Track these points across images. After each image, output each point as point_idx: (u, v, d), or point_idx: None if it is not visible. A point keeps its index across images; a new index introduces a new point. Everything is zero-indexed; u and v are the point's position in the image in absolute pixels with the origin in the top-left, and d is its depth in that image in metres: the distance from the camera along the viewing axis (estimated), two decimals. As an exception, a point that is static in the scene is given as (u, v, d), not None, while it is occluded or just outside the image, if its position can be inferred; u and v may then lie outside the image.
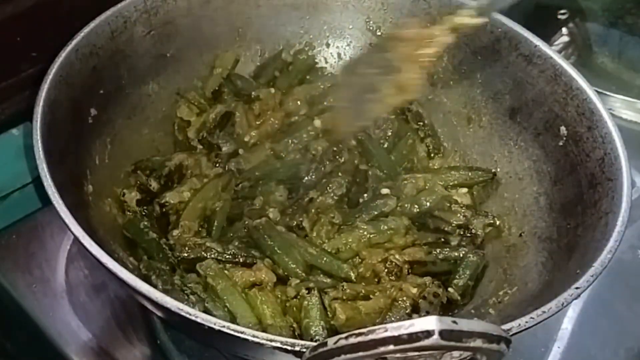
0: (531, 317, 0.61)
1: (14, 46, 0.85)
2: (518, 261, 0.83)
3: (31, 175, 0.90)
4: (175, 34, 0.94)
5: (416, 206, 0.89)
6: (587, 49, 1.31)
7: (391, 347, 0.48)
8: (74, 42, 0.80)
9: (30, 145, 0.70)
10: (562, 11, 1.31)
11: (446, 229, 0.88)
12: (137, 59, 0.90)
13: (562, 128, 0.85)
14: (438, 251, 0.85)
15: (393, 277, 0.81)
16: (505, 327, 0.59)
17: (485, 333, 0.49)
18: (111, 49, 0.86)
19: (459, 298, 0.81)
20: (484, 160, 0.96)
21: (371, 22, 1.02)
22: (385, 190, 0.91)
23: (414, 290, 0.79)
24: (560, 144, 0.85)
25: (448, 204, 0.90)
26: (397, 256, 0.83)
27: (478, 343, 0.49)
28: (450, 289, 0.81)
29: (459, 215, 0.88)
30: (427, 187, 0.91)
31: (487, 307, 0.79)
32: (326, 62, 1.05)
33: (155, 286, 0.75)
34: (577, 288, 0.64)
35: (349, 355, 0.50)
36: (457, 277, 0.82)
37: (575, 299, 0.63)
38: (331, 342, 0.51)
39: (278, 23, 1.02)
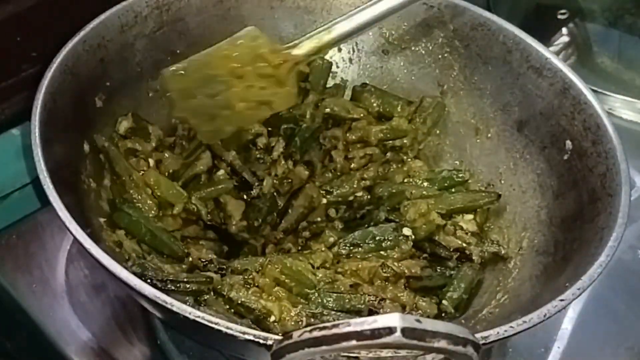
0: (510, 327, 0.60)
1: (14, 46, 0.85)
2: (513, 274, 0.81)
3: (31, 175, 0.91)
4: (186, 31, 0.94)
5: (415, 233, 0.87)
6: (587, 49, 1.30)
7: (354, 342, 0.48)
8: (81, 33, 0.81)
9: (30, 145, 0.69)
10: (562, 11, 1.30)
11: (443, 254, 0.86)
12: (147, 54, 0.91)
13: (568, 142, 0.84)
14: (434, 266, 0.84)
15: (388, 283, 0.80)
16: (484, 334, 0.58)
17: (450, 334, 0.48)
18: (120, 42, 0.87)
19: (452, 311, 0.80)
20: (490, 171, 0.94)
21: (384, 29, 1.02)
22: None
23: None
24: (565, 158, 0.84)
25: (453, 229, 0.88)
26: (396, 263, 0.82)
27: (443, 344, 0.48)
28: (444, 302, 0.80)
29: (461, 242, 0.87)
30: (429, 211, 0.88)
31: (478, 319, 0.77)
32: (337, 67, 1.05)
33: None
34: (561, 300, 0.63)
35: (312, 349, 0.49)
36: (451, 289, 0.81)
37: (559, 311, 0.62)
38: (296, 335, 0.50)
39: (291, 25, 1.02)
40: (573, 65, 0.86)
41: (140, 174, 0.86)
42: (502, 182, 0.92)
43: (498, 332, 0.59)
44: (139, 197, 0.83)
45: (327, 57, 1.03)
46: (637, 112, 1.17)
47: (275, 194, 0.92)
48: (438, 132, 1.00)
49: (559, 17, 1.29)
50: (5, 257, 0.90)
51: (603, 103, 0.83)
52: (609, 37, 1.33)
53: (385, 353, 0.55)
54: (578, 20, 1.30)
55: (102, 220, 0.78)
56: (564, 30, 1.30)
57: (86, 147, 0.81)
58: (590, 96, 0.83)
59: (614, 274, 0.67)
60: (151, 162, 0.89)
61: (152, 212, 0.84)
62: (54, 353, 0.83)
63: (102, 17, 0.84)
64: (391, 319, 0.47)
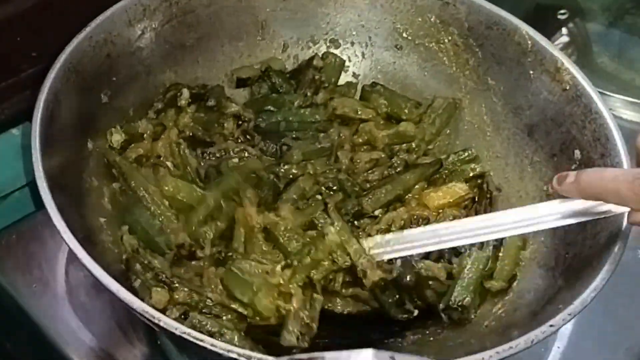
0: (496, 352, 0.59)
1: (14, 46, 0.85)
2: (513, 287, 0.81)
3: (31, 175, 0.90)
4: (196, 24, 0.94)
5: None
6: (587, 49, 1.29)
7: (327, 377, 0.48)
8: (87, 29, 0.80)
9: (30, 145, 0.69)
10: (562, 11, 1.28)
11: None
12: (155, 48, 0.90)
13: (577, 152, 0.83)
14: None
15: None
16: (468, 360, 0.58)
17: (424, 373, 0.48)
18: (128, 36, 0.86)
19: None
20: (498, 175, 0.93)
21: (398, 24, 1.00)
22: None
23: None
24: (573, 167, 0.82)
25: None
26: None
27: (417, 381, 0.48)
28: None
29: None
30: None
31: (474, 332, 0.77)
32: (349, 61, 1.03)
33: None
34: (551, 326, 0.62)
35: (289, 380, 0.50)
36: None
37: (548, 336, 0.62)
38: (273, 365, 0.51)
39: (303, 18, 1.01)
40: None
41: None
42: (510, 187, 0.91)
43: (483, 359, 0.59)
44: (157, 210, 0.82)
45: (339, 52, 1.02)
46: (637, 112, 1.16)
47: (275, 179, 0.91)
48: (449, 132, 0.98)
49: (559, 17, 1.27)
50: (5, 257, 0.90)
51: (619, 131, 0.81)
52: (609, 37, 1.32)
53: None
54: (578, 20, 1.28)
55: (102, 220, 0.79)
56: (564, 30, 1.28)
57: (90, 144, 0.81)
58: (601, 106, 0.81)
59: (614, 274, 0.67)
60: (169, 164, 0.89)
61: (173, 223, 0.83)
62: (54, 353, 0.83)
63: (109, 11, 0.84)
64: (365, 357, 0.47)
